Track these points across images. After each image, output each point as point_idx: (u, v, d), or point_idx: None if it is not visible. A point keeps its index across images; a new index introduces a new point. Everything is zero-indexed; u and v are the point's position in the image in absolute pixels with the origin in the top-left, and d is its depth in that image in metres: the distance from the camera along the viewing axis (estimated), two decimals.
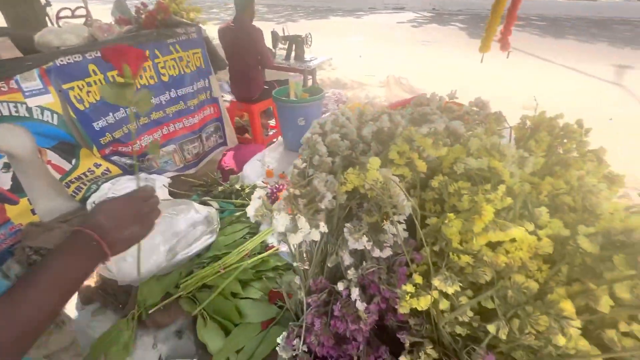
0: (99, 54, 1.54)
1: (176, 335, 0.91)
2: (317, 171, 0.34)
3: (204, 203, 1.18)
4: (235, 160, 1.89)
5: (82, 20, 2.14)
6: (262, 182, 1.35)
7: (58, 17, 2.12)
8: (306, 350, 0.41)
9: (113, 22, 1.74)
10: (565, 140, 0.39)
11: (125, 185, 1.69)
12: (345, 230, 0.34)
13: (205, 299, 0.89)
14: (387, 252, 0.34)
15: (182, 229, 0.98)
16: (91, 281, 0.98)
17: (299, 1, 14.81)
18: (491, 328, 0.28)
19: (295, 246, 0.41)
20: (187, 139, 2.11)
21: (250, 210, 0.32)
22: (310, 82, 2.77)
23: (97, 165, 1.81)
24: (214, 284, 0.92)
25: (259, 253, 1.00)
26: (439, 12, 11.57)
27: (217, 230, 1.07)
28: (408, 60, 5.62)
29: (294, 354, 0.40)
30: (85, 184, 1.84)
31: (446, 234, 0.31)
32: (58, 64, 1.43)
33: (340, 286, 0.38)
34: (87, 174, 1.79)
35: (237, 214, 1.18)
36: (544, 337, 0.26)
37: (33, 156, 1.58)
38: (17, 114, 1.43)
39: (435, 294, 0.31)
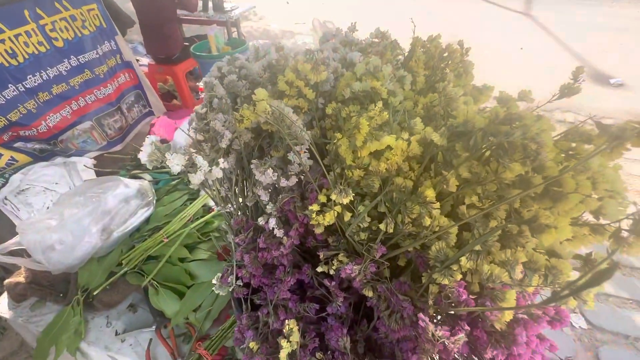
0: None
1: (130, 310, 0.92)
2: (214, 112, 0.35)
3: (135, 177, 1.12)
4: (166, 129, 1.77)
5: None
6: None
7: None
8: (241, 284, 0.45)
9: None
10: (449, 62, 0.43)
11: (40, 173, 1.52)
12: (252, 166, 0.36)
13: (152, 270, 0.89)
14: (294, 180, 0.38)
15: (113, 206, 0.94)
16: (19, 277, 0.91)
17: None
18: (382, 226, 0.33)
19: (216, 191, 0.43)
20: (104, 112, 1.91)
21: (143, 157, 0.32)
22: (235, 35, 2.58)
23: None
24: (160, 254, 0.92)
25: (202, 217, 1.00)
26: None
27: (154, 202, 1.04)
28: (339, 3, 5.43)
29: (230, 289, 0.43)
30: None
31: (340, 154, 0.34)
32: None
33: (260, 221, 0.42)
34: None
35: (174, 182, 1.15)
36: (417, 223, 0.31)
37: None
38: None
39: (338, 208, 0.36)
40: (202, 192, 1.09)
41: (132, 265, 0.91)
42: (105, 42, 1.78)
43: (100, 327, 0.89)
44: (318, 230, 0.40)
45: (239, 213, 0.45)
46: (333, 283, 0.38)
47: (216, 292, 0.45)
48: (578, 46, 4.05)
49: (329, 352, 0.37)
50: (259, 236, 0.42)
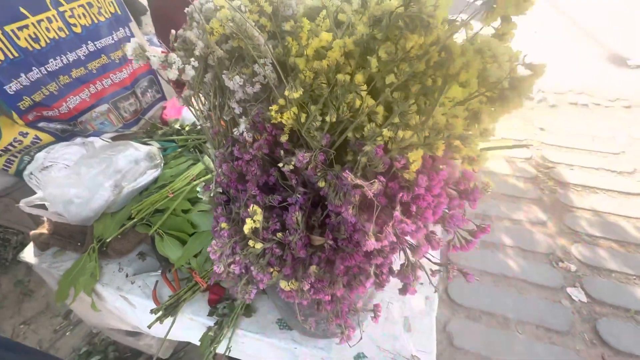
0: None
1: (139, 257, 1.02)
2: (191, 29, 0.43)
3: (144, 144, 1.23)
4: (175, 110, 1.88)
5: None
6: None
7: None
8: (220, 191, 0.53)
9: None
10: None
11: (62, 152, 1.66)
12: (223, 77, 0.44)
13: (158, 221, 0.99)
14: (257, 87, 0.45)
15: (123, 165, 1.05)
16: (42, 229, 1.03)
17: None
18: (327, 118, 0.40)
19: (198, 111, 0.51)
20: (119, 95, 2.03)
21: (129, 51, 0.40)
22: None
23: (24, 134, 1.72)
24: (165, 207, 1.02)
25: (205, 176, 1.09)
26: None
27: (162, 165, 1.14)
28: None
29: (211, 195, 0.51)
30: (16, 156, 1.77)
31: (295, 62, 0.42)
32: None
33: (235, 132, 0.49)
34: (15, 144, 1.71)
35: (180, 149, 1.25)
36: (353, 109, 0.38)
37: None
38: None
39: (294, 109, 0.43)
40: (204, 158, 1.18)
41: (141, 216, 1.01)
42: (120, 28, 1.90)
43: (113, 272, 1.00)
44: (283, 139, 0.47)
45: (219, 130, 0.53)
46: (293, 177, 0.45)
47: (200, 197, 0.53)
48: (594, 27, 3.93)
49: (286, 232, 0.44)
50: (234, 145, 0.49)
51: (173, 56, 0.42)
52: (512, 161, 2.41)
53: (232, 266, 0.42)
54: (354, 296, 0.42)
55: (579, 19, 4.16)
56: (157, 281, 0.97)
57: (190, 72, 0.44)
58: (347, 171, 0.35)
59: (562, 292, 1.72)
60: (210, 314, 0.89)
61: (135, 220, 1.02)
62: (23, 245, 1.61)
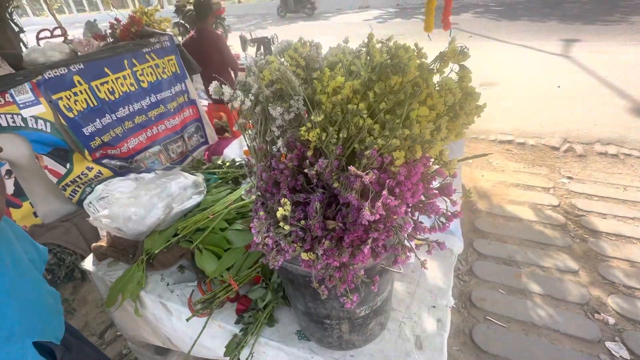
0: (82, 66, 1.81)
1: (179, 270, 1.19)
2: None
3: (192, 174, 1.46)
4: (218, 153, 2.17)
5: (61, 39, 2.42)
6: (240, 158, 1.66)
7: (38, 38, 2.39)
8: (259, 194, 0.71)
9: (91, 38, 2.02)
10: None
11: (117, 185, 1.95)
12: (269, 108, 0.64)
13: (199, 238, 1.17)
14: (292, 115, 0.65)
15: (174, 190, 1.27)
16: (102, 242, 1.24)
17: (268, 9, 15.25)
18: (340, 134, 0.59)
19: (248, 134, 0.71)
20: (170, 139, 2.38)
21: (211, 89, 0.62)
22: None
23: (90, 169, 2.06)
24: (205, 226, 1.20)
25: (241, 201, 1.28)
26: (403, 7, 12.18)
27: (204, 192, 1.36)
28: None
29: (253, 197, 0.69)
30: (80, 187, 2.09)
31: (319, 97, 0.62)
32: (46, 77, 1.70)
33: (274, 149, 0.69)
34: (81, 176, 2.04)
35: (220, 180, 1.47)
36: (357, 126, 0.56)
37: (31, 162, 1.83)
38: (14, 124, 1.68)
39: (317, 130, 0.62)
40: (244, 184, 1.39)
41: (185, 232, 1.19)
42: (178, 84, 2.31)
43: (156, 281, 1.16)
44: (309, 153, 0.66)
45: (262, 144, 0.72)
46: (315, 177, 0.62)
47: (244, 198, 0.70)
48: (620, 82, 4.05)
49: (308, 220, 0.60)
50: (272, 159, 0.68)
51: (238, 92, 0.63)
52: (538, 208, 2.43)
53: (266, 239, 0.58)
54: (357, 263, 0.55)
55: (603, 73, 4.31)
56: (193, 290, 1.11)
57: (247, 104, 0.64)
58: (352, 167, 0.51)
59: (599, 346, 1.64)
60: (237, 322, 1.01)
61: (180, 236, 1.21)
62: (75, 265, 1.83)
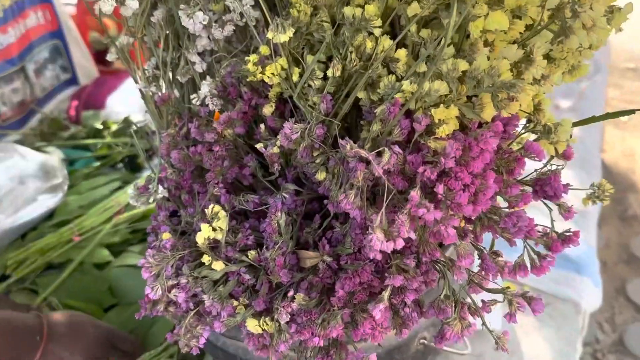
0: None
1: None
2: None
3: (38, 151, 1.45)
4: (97, 104, 2.14)
5: None
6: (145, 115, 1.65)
7: None
8: (166, 196, 0.70)
9: None
10: None
11: None
12: (180, 13, 0.63)
13: (51, 283, 1.16)
14: (230, 30, 0.63)
15: (0, 184, 1.26)
16: None
17: None
18: (329, 71, 0.57)
19: (139, 71, 0.70)
20: None
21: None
22: None
23: None
24: (67, 260, 1.20)
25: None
26: None
27: (65, 187, 1.35)
28: None
29: (150, 200, 0.68)
30: None
31: None
32: None
33: (194, 100, 0.67)
34: None
35: (98, 163, 1.46)
36: (364, 54, 0.55)
37: None
38: None
39: (282, 61, 0.60)
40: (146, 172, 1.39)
41: (22, 274, 1.19)
42: None
43: None
44: (267, 111, 0.65)
45: (169, 90, 0.71)
46: (276, 161, 0.61)
47: (132, 203, 0.70)
48: None
49: (263, 248, 0.59)
50: (192, 122, 0.67)
51: None
52: None
53: (174, 292, 0.57)
54: (363, 339, 0.55)
55: None
56: None
57: (132, 4, 0.63)
58: (346, 138, 0.50)
59: None
60: None
61: (12, 279, 1.20)
62: None
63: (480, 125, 0.53)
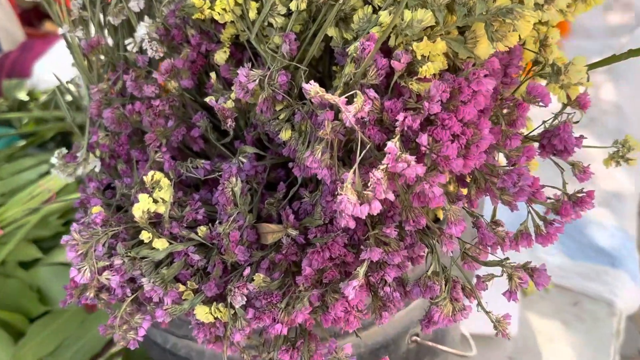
0: None
1: None
2: None
3: None
4: (23, 72, 2.13)
5: None
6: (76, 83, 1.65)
7: None
8: (97, 167, 0.71)
9: None
10: None
11: None
12: None
13: None
14: None
15: None
16: None
17: None
18: (292, 4, 0.59)
19: (69, 23, 0.71)
20: None
21: None
22: None
23: None
24: None
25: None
26: None
27: None
28: None
29: (78, 171, 0.70)
30: None
31: None
32: None
33: (130, 46, 0.68)
34: None
35: (23, 142, 1.46)
36: None
37: None
38: None
39: None
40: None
41: None
42: None
43: None
44: (219, 58, 0.66)
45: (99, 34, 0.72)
46: (229, 118, 0.62)
47: (56, 175, 0.71)
48: None
49: (216, 223, 0.61)
50: (127, 73, 0.68)
51: None
52: None
53: (106, 274, 0.58)
54: (337, 326, 0.56)
55: None
56: None
57: None
58: (311, 82, 0.51)
59: None
60: None
61: None
62: None
63: (470, 63, 0.54)
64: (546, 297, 1.07)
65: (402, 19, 0.52)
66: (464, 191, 0.60)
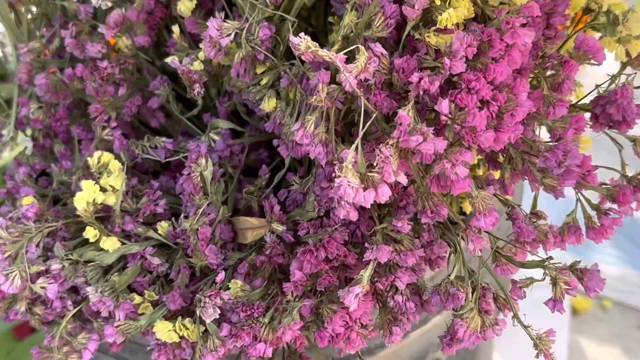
0: None
1: None
2: None
3: None
4: None
5: None
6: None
7: None
8: (28, 150, 0.67)
9: None
10: None
11: None
12: None
13: None
14: None
15: None
16: None
17: None
18: None
19: None
20: None
21: None
22: None
23: None
24: None
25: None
26: None
27: None
28: None
29: (4, 153, 0.65)
30: None
31: None
32: None
33: None
34: None
35: None
36: None
37: None
38: None
39: None
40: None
41: None
42: None
43: None
44: (185, 9, 0.62)
45: None
46: (199, 89, 0.58)
47: None
48: None
49: (181, 217, 0.56)
50: (67, 29, 0.64)
51: None
52: None
53: (41, 282, 0.54)
54: (325, 345, 0.52)
55: None
56: None
57: None
58: (300, 35, 0.47)
59: None
60: None
61: None
62: None
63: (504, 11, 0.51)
64: (603, 317, 1.03)
65: None
66: (496, 174, 0.56)
